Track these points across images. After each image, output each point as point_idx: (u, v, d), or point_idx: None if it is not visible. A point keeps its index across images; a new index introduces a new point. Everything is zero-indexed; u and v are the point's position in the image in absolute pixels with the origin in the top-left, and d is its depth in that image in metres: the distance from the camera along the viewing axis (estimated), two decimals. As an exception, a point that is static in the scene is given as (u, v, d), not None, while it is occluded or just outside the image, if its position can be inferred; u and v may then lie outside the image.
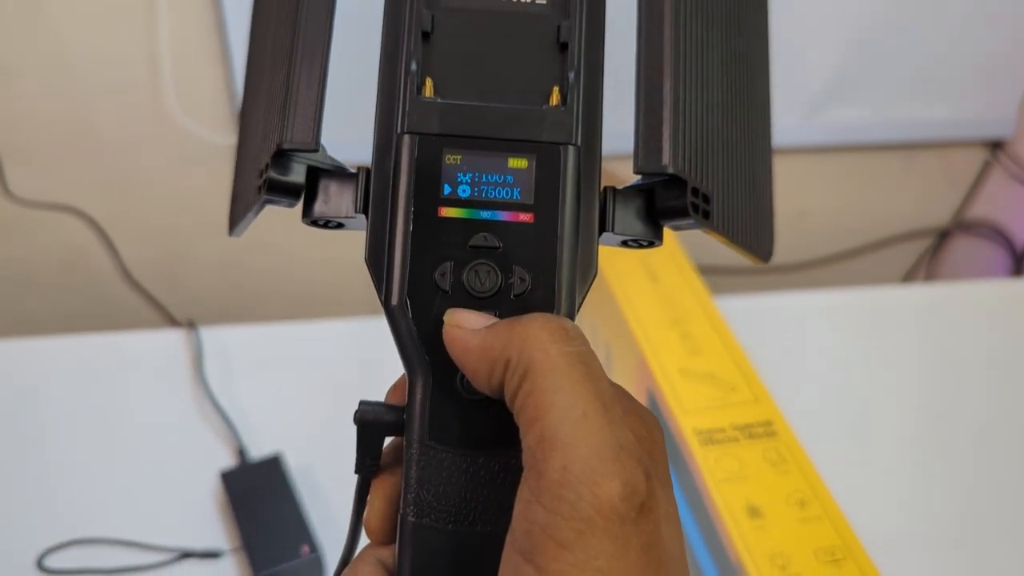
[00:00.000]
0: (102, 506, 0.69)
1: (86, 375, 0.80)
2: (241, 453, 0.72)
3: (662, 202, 0.27)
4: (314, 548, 0.64)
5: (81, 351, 0.82)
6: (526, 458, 0.22)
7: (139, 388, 0.79)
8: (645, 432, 0.25)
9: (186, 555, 0.66)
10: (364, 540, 0.29)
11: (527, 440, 0.22)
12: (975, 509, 0.72)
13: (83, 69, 0.93)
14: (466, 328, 0.25)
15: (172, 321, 1.04)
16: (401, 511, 0.26)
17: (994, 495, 0.73)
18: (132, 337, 0.84)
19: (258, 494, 0.68)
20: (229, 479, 0.69)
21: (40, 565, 0.64)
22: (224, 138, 0.98)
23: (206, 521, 0.68)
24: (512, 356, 0.23)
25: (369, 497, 0.28)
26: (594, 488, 0.20)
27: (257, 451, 0.72)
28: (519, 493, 0.22)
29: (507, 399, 0.23)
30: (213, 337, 0.83)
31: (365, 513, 0.28)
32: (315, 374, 0.81)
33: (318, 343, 0.85)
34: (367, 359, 0.81)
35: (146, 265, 1.05)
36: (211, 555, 0.66)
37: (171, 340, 0.83)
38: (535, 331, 0.23)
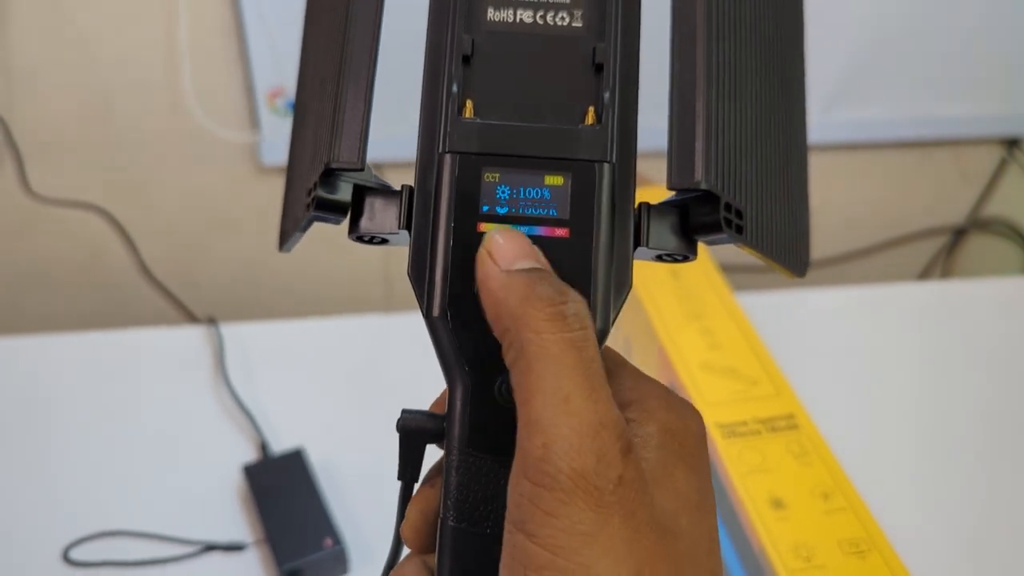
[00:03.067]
0: (127, 499, 0.70)
1: (108, 371, 0.81)
2: (263, 447, 0.72)
3: (695, 218, 0.28)
4: (337, 541, 0.64)
5: (103, 347, 0.83)
6: (517, 436, 0.23)
7: (161, 384, 0.80)
8: (680, 424, 0.26)
9: (210, 548, 0.66)
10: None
11: (519, 418, 0.23)
12: (995, 502, 0.72)
13: (103, 68, 0.93)
14: (496, 263, 0.25)
15: (192, 318, 1.05)
16: (441, 515, 0.27)
17: (1014, 488, 0.73)
18: (153, 333, 0.85)
19: (281, 488, 0.68)
20: (252, 473, 0.69)
21: (66, 557, 0.65)
22: (242, 136, 0.98)
23: (229, 514, 0.69)
24: (510, 327, 0.24)
25: (407, 508, 0.29)
26: (571, 463, 0.22)
27: (279, 445, 0.73)
28: (512, 471, 0.23)
29: (506, 362, 0.24)
30: (233, 333, 0.83)
31: (401, 525, 0.29)
32: (335, 369, 0.81)
33: (338, 339, 0.85)
34: (386, 355, 0.82)
35: (166, 262, 1.06)
36: (235, 548, 0.66)
37: (192, 336, 0.84)
38: (534, 314, 0.24)
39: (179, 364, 0.81)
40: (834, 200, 1.16)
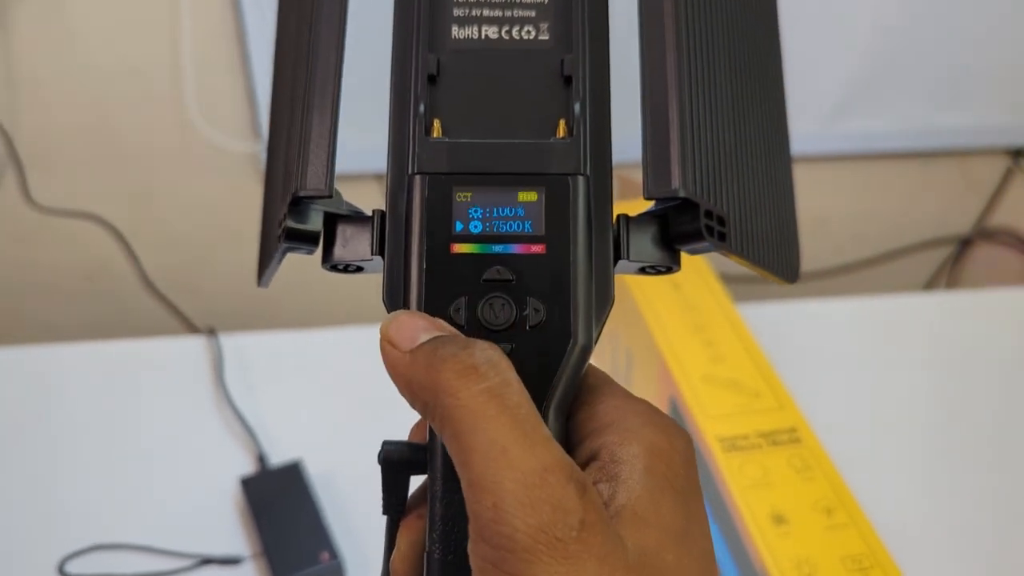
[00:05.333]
0: (123, 512, 0.69)
1: (107, 382, 0.80)
2: (261, 459, 0.72)
3: (676, 227, 0.27)
4: (334, 555, 0.64)
5: (102, 358, 0.83)
6: (465, 500, 0.22)
7: (160, 394, 0.79)
8: (665, 443, 0.25)
9: (206, 561, 0.66)
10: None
11: (462, 483, 0.22)
12: (1002, 517, 0.71)
13: (106, 79, 0.93)
14: (396, 347, 0.24)
15: (192, 328, 1.05)
16: (427, 548, 0.26)
17: (1020, 503, 0.72)
18: (153, 344, 0.85)
19: (278, 501, 0.68)
20: (249, 485, 0.69)
21: (61, 570, 0.65)
22: (244, 147, 0.98)
23: (226, 527, 0.68)
24: (428, 400, 0.23)
25: (397, 539, 0.28)
26: (526, 519, 0.21)
27: (277, 458, 0.72)
28: (469, 535, 0.22)
29: (440, 439, 0.24)
30: (233, 344, 0.83)
31: (391, 556, 0.28)
32: (335, 381, 0.81)
33: (338, 350, 0.85)
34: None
35: (167, 272, 1.05)
36: (231, 561, 0.66)
37: (191, 347, 0.84)
38: (444, 376, 0.23)
39: (178, 375, 0.81)
40: (839, 211, 1.15)
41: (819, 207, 1.14)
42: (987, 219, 1.19)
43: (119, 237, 1.02)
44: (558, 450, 0.22)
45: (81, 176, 0.99)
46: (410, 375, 0.24)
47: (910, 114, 1.07)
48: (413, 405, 0.24)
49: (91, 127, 0.96)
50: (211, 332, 0.84)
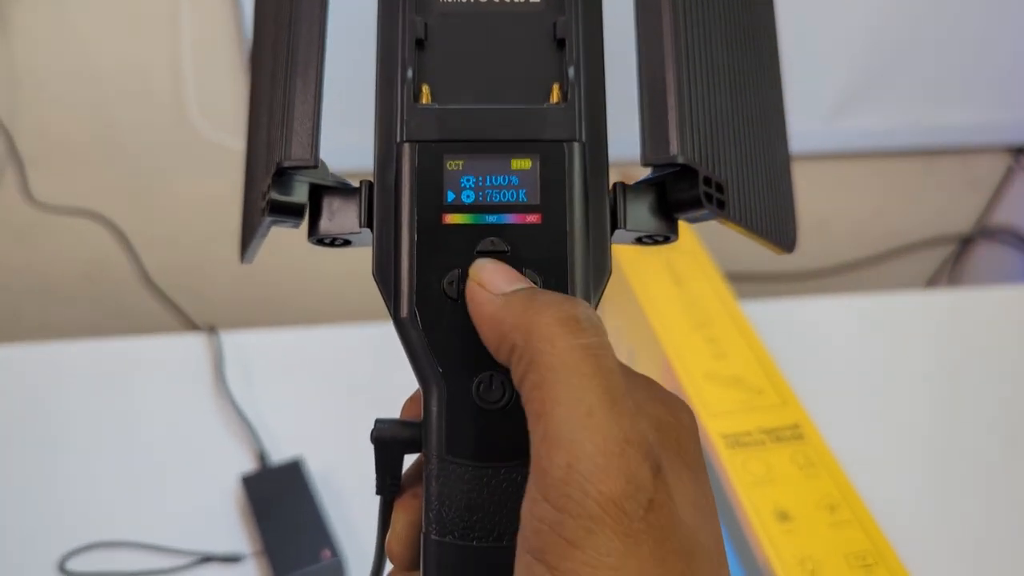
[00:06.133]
0: (123, 510, 0.69)
1: (107, 380, 0.80)
2: (262, 457, 0.72)
3: (674, 194, 0.26)
4: (335, 552, 0.63)
5: (102, 356, 0.83)
6: (532, 454, 0.21)
7: (160, 392, 0.79)
8: (671, 418, 0.24)
9: (207, 559, 0.65)
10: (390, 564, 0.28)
11: (533, 436, 0.22)
12: (1005, 514, 0.71)
13: (106, 77, 0.93)
14: (487, 290, 0.24)
15: (193, 326, 1.04)
16: (423, 529, 0.25)
17: (1022, 500, 0.72)
18: (153, 342, 0.85)
19: (279, 498, 0.68)
20: (250, 483, 0.69)
21: (62, 568, 0.64)
22: (244, 146, 0.98)
23: (227, 525, 0.68)
24: (518, 342, 0.22)
25: (391, 520, 0.27)
26: (599, 486, 0.20)
27: (278, 455, 0.72)
28: (527, 491, 0.21)
29: (514, 382, 0.23)
30: (233, 342, 0.83)
31: (387, 537, 0.27)
32: (335, 378, 0.81)
33: (338, 348, 0.84)
34: (387, 364, 0.81)
35: (167, 270, 1.05)
36: (232, 559, 0.65)
37: (192, 345, 0.83)
38: (545, 320, 0.22)
39: (178, 373, 0.81)
40: (840, 209, 1.15)
41: (820, 206, 1.14)
42: (988, 217, 1.19)
43: (119, 235, 1.02)
44: (641, 426, 0.22)
45: (81, 174, 0.99)
46: (502, 316, 0.23)
47: (911, 112, 1.07)
48: (497, 345, 0.23)
49: (92, 125, 0.96)
50: (211, 330, 0.83)
